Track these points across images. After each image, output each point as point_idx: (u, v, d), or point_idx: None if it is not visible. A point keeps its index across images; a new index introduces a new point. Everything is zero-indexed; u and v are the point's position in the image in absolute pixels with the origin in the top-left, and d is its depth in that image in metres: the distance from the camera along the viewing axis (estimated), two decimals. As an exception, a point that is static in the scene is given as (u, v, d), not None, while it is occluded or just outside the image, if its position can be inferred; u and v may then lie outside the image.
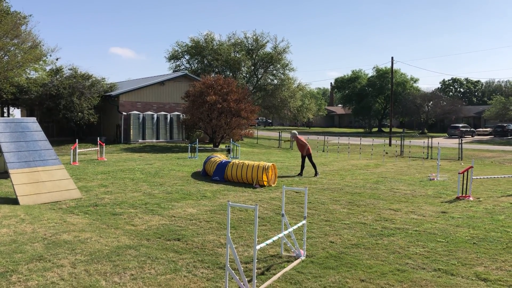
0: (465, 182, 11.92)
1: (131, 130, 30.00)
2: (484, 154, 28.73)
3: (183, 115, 31.21)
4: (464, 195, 11.74)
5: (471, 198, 11.56)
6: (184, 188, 12.52)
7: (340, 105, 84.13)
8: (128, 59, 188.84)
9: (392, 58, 39.76)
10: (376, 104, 67.32)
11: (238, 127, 28.27)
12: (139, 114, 30.46)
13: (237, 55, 43.44)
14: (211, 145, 29.66)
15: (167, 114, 31.92)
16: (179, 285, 5.33)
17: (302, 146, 16.14)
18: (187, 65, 45.10)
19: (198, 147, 23.34)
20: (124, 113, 30.05)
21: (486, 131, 56.30)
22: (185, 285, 5.33)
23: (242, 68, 43.86)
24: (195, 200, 10.85)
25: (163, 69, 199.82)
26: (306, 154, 16.07)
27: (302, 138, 16.54)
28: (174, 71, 42.45)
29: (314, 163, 16.17)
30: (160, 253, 6.56)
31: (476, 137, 52.17)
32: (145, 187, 12.67)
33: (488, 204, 10.87)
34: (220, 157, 16.24)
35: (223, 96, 27.10)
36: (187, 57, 45.10)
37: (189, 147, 23.45)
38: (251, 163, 13.78)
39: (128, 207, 9.80)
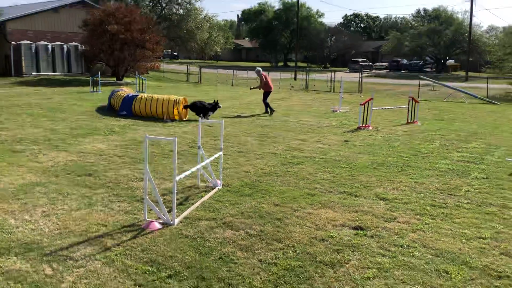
0: (365, 113, 12.77)
1: (23, 62, 27.37)
2: (381, 87, 30.77)
3: (81, 46, 29.01)
4: (364, 125, 12.62)
5: (370, 128, 12.48)
6: (89, 124, 11.94)
7: (247, 39, 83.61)
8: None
9: (298, -9, 39.85)
10: (282, 38, 67.89)
11: (143, 59, 27.03)
12: (31, 44, 27.75)
13: (139, -19, 40.66)
14: (115, 79, 28.22)
15: (63, 45, 29.48)
16: (96, 220, 5.22)
17: (266, 85, 15.31)
18: (84, -9, 41.29)
19: (101, 80, 22.08)
20: (13, 42, 27.15)
21: (383, 65, 59.90)
22: (102, 219, 5.24)
23: (145, -4, 41.31)
24: (103, 135, 10.43)
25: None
26: (267, 90, 15.26)
27: (266, 75, 15.67)
28: (68, -3, 38.69)
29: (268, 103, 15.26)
30: (71, 189, 6.32)
31: (374, 71, 55.40)
32: (46, 122, 11.86)
33: (385, 133, 11.84)
34: (126, 90, 15.59)
35: (125, 26, 25.47)
36: (83, -19, 41.19)
37: (90, 81, 22.09)
38: (160, 97, 13.43)
39: (30, 144, 9.16)
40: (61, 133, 10.42)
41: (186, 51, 49.19)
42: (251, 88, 17.30)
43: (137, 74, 23.43)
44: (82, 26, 26.81)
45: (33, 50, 27.77)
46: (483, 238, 5.01)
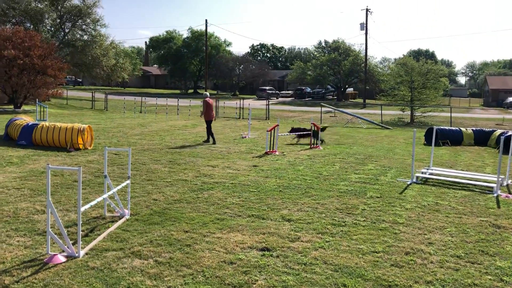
0: (272, 139, 13.31)
1: None
2: (287, 114, 32.14)
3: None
4: (271, 150, 13.14)
5: (277, 153, 13.02)
6: (-17, 155, 11.09)
7: (155, 66, 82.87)
8: None
9: (206, 20, 40.85)
10: (191, 65, 68.31)
11: (45, 86, 25.74)
12: None
13: (39, 5, 38.80)
14: (12, 107, 26.44)
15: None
16: (-8, 257, 4.90)
17: (205, 113, 15.12)
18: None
19: (-4, 108, 20.57)
20: None
21: (288, 93, 62.56)
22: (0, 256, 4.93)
23: (46, 20, 39.52)
24: (0, 167, 9.76)
25: None
26: (208, 120, 15.05)
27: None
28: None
29: (212, 132, 15.19)
30: (-38, 226, 5.85)
31: (280, 99, 57.62)
32: None
33: (291, 157, 12.42)
34: (25, 119, 14.73)
35: (24, 51, 24.19)
36: (-26, 2, 38.40)
37: (-16, 109, 20.49)
38: (63, 125, 12.89)
39: None
40: (-51, 166, 9.58)
41: (91, 78, 47.45)
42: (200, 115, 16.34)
43: (37, 102, 22.18)
44: (-26, 50, 24.92)
45: None
46: (376, 252, 5.49)
